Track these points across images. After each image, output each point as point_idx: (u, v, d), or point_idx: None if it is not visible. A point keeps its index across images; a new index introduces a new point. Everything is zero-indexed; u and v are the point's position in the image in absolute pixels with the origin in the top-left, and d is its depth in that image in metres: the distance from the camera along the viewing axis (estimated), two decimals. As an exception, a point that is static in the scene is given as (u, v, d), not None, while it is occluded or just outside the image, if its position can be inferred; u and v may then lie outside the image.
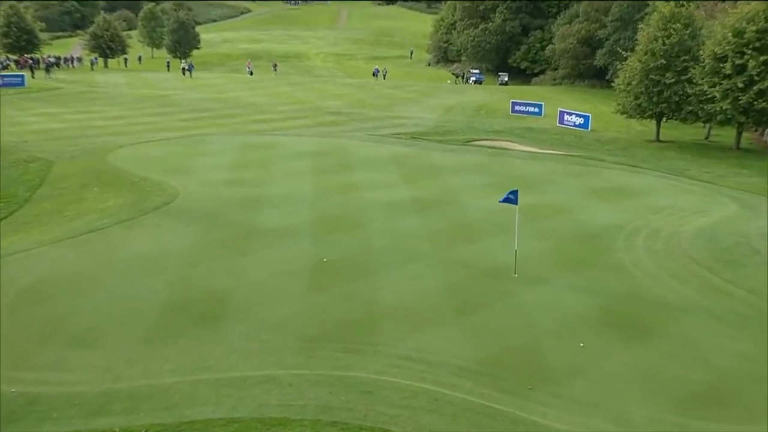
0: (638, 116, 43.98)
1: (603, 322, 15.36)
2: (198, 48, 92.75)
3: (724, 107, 38.28)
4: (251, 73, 78.32)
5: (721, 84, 38.24)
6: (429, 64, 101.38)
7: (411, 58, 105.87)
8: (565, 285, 17.39)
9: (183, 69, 73.05)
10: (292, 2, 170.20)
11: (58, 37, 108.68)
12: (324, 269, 17.80)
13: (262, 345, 13.73)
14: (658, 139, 44.20)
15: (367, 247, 19.63)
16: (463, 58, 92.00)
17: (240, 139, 36.47)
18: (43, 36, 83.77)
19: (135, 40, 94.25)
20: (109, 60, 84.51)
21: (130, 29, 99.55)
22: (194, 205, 23.39)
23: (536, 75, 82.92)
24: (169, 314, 14.98)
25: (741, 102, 37.50)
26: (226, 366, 12.92)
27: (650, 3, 55.03)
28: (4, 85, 55.11)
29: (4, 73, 62.22)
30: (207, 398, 11.83)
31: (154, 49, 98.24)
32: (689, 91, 40.53)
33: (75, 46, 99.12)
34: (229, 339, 13.93)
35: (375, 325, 14.76)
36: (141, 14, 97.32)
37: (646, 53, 42.12)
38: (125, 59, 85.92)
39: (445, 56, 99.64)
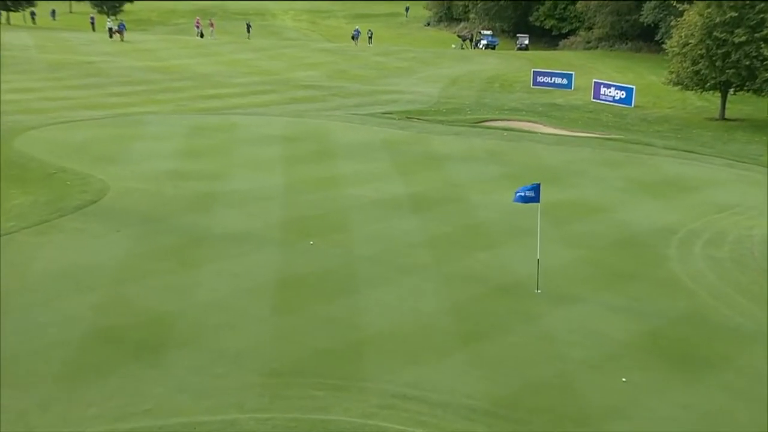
0: (697, 88, 44.08)
1: (652, 352, 15.43)
2: (131, 1, 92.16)
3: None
4: (201, 35, 78.20)
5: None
6: (428, 24, 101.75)
7: (407, 16, 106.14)
8: (602, 304, 17.47)
9: (110, 30, 71.96)
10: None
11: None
12: (296, 285, 17.79)
13: (216, 382, 13.71)
14: (723, 117, 44.38)
15: (350, 257, 19.64)
16: (472, 15, 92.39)
17: (188, 119, 36.39)
18: None
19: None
20: (11, 14, 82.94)
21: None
22: (129, 204, 23.31)
23: (564, 36, 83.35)
24: (96, 344, 14.92)
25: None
26: (170, 409, 12.88)
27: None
28: None
29: None
30: (145, 451, 11.79)
31: (73, 2, 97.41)
32: (766, 53, 40.31)
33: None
34: (174, 375, 13.90)
35: (361, 356, 14.77)
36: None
37: (709, 4, 42.06)
38: (32, 13, 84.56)
39: (448, 14, 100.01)
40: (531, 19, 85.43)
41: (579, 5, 78.31)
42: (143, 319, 15.90)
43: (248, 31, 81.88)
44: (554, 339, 15.74)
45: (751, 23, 40.60)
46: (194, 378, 13.80)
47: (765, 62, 40.50)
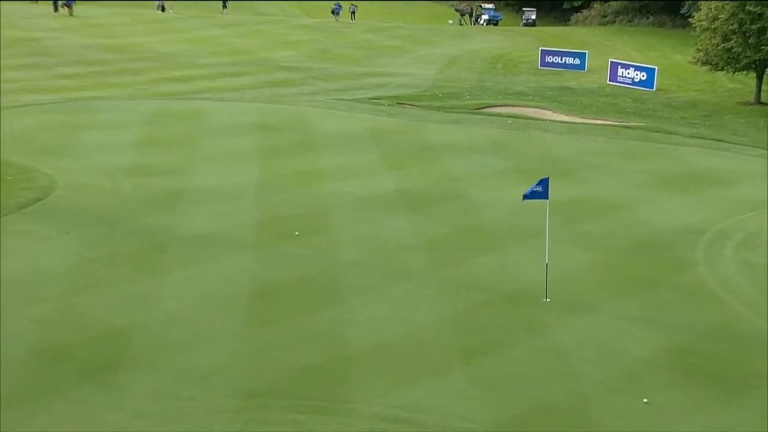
0: (728, 67, 44.18)
1: (677, 370, 15.47)
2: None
3: None
4: (163, 9, 77.97)
5: None
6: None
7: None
8: (620, 315, 17.51)
9: (55, 2, 71.51)
10: None
11: None
12: (273, 294, 17.79)
13: (181, 405, 13.67)
14: (758, 101, 44.53)
15: (335, 262, 19.65)
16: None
17: (148, 105, 36.32)
18: None
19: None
20: None
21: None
22: (80, 202, 23.24)
23: (577, 10, 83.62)
24: (42, 364, 14.83)
25: None
26: (128, 437, 12.85)
27: None
28: None
29: None
30: (100, 485, 11.76)
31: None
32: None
33: None
34: (133, 398, 13.85)
35: (347, 374, 14.77)
36: None
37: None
38: None
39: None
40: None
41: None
42: (96, 335, 15.83)
43: (224, 6, 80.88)
44: (566, 354, 15.77)
45: (789, -6, 40.74)
46: (155, 402, 13.75)
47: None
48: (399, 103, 39.31)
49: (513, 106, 40.43)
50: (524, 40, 66.21)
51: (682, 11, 67.83)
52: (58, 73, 44.78)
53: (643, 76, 48.99)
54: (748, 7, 41.44)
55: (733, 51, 42.71)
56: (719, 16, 42.81)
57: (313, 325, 16.45)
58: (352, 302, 17.55)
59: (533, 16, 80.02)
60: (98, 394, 13.89)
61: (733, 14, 42.08)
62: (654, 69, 49.11)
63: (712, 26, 43.45)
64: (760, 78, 44.50)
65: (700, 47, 45.08)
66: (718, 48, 43.29)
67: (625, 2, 76.67)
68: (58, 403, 13.62)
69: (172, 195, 24.06)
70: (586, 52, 55.85)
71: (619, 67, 50.49)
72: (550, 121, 36.90)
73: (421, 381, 14.58)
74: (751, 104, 44.27)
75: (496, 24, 79.84)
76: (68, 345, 15.44)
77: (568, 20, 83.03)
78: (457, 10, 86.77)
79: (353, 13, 79.46)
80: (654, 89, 47.88)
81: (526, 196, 17.82)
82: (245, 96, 40.14)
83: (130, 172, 26.05)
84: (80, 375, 14.45)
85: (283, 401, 13.80)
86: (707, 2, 44.40)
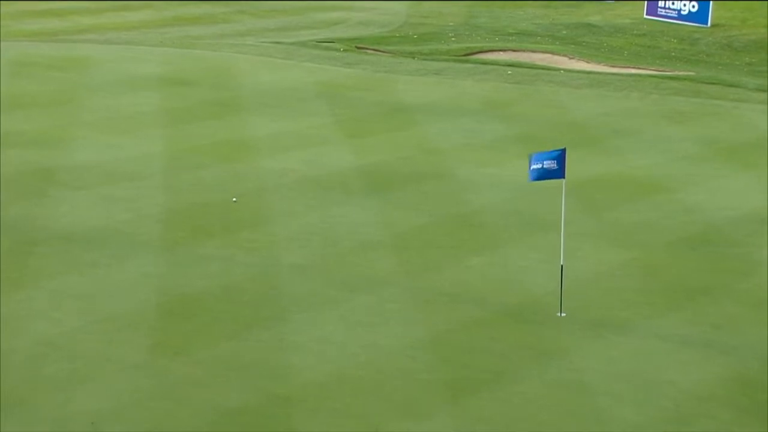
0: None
1: (741, 408, 15.52)
2: None
3: None
4: None
5: None
6: None
7: None
8: (661, 335, 17.64)
9: None
10: None
11: None
12: (187, 311, 17.80)
13: (61, 465, 13.68)
14: None
15: (271, 267, 19.71)
16: None
17: (8, 50, 35.97)
18: None
19: None
20: None
21: None
22: None
23: None
24: None
25: None
26: None
27: None
28: None
29: None
30: None
31: None
32: None
33: None
34: (-5, 455, 13.86)
35: (289, 418, 14.77)
36: None
37: None
38: None
39: None
40: None
41: None
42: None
43: None
44: (588, 389, 15.88)
45: None
46: (27, 459, 13.77)
47: None
48: (359, 48, 39.27)
49: (515, 51, 40.47)
50: (530, -40, 66.39)
51: None
52: None
53: (693, 7, 49.10)
54: None
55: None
56: None
57: (244, 353, 16.47)
58: (296, 321, 17.58)
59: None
60: (-54, 451, 13.89)
61: None
62: (708, -1, 49.39)
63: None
64: None
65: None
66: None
67: None
68: None
69: (43, 175, 23.97)
70: (616, -25, 56.12)
71: (661, -4, 50.77)
72: (565, 71, 37.01)
73: (390, 426, 14.62)
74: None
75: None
76: None
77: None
78: None
79: None
80: (708, 25, 47.99)
81: (534, 176, 17.82)
82: (145, 38, 39.88)
83: (-15, 145, 25.96)
84: None
85: (203, 456, 13.88)
86: None
